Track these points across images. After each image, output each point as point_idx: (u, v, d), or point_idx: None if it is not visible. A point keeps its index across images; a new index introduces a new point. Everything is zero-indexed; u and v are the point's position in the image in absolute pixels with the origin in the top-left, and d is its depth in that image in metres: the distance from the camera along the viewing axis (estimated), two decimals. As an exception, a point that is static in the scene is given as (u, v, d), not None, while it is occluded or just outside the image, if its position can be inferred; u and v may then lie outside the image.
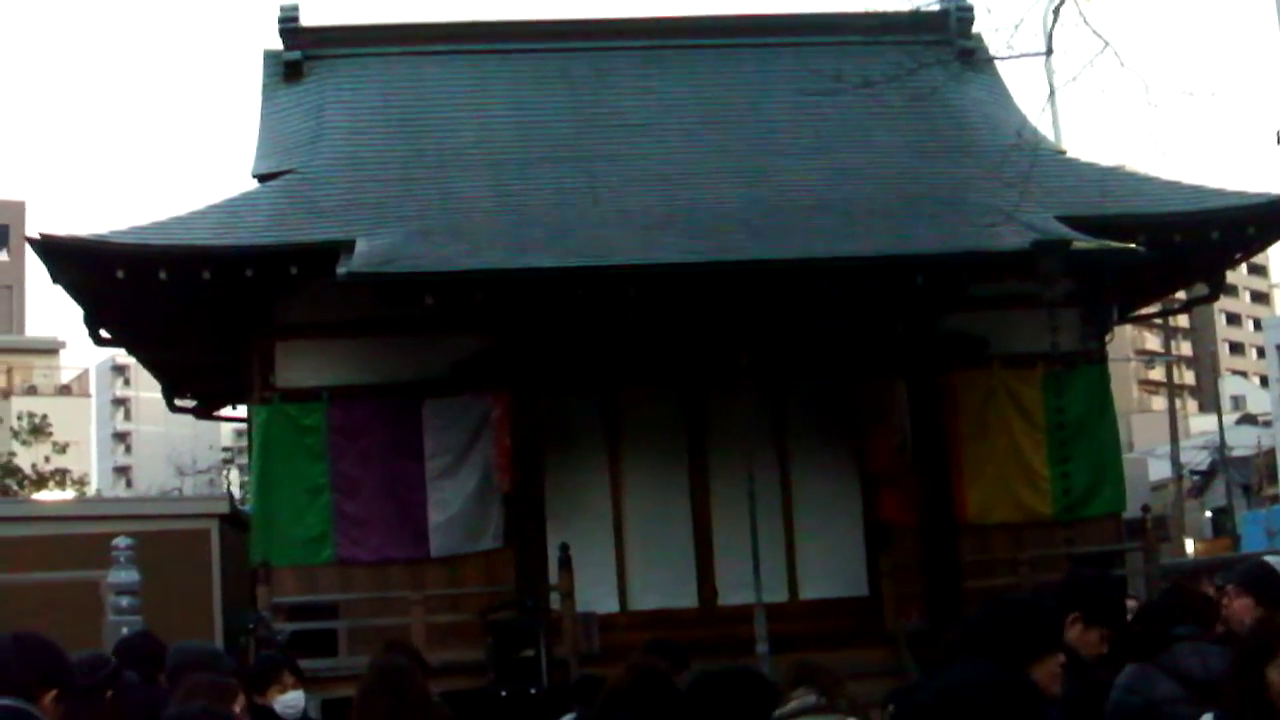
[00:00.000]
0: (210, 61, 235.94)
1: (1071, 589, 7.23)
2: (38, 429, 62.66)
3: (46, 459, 58.14)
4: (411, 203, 20.68)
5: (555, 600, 18.37)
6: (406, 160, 21.95)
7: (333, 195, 20.90)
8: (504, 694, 16.77)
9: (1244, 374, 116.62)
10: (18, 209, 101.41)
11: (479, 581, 19.76)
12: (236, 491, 48.01)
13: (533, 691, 16.73)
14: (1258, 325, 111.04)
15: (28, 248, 20.08)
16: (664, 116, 23.25)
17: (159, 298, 19.27)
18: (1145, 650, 6.74)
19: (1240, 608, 7.25)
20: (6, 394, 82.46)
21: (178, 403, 26.92)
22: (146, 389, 78.20)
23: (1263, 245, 23.33)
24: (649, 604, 20.57)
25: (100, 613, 16.80)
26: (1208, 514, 61.67)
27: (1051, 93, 20.11)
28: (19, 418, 65.47)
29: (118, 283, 18.59)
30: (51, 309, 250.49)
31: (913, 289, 17.99)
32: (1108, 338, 22.41)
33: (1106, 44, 14.97)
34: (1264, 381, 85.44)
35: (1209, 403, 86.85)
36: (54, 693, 5.11)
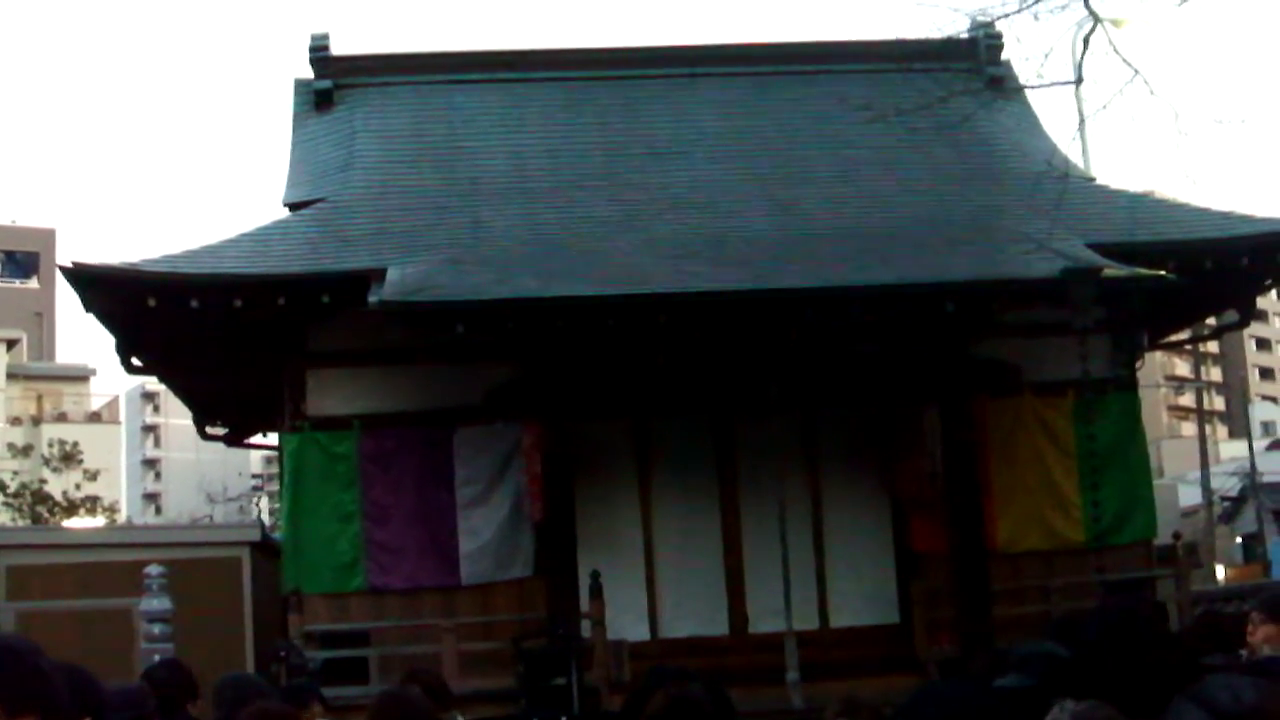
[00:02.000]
0: (241, 90, 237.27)
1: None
2: (68, 456, 63.07)
3: (77, 486, 58.53)
4: (442, 231, 20.73)
5: (586, 628, 18.34)
6: (437, 189, 22.03)
7: (364, 224, 20.97)
8: (535, 721, 16.77)
9: (1274, 399, 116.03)
10: (48, 236, 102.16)
11: (510, 609, 19.76)
12: (267, 519, 48.19)
13: (564, 719, 16.73)
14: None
15: (58, 275, 20.15)
16: (694, 145, 23.29)
17: (191, 326, 19.31)
18: (1175, 681, 6.70)
19: (1264, 635, 7.21)
20: (37, 421, 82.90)
21: (208, 430, 26.97)
22: (176, 416, 78.49)
23: (1293, 271, 23.20)
24: (680, 632, 20.53)
25: (133, 640, 16.82)
26: (1238, 540, 61.28)
27: (1081, 121, 20.05)
28: (50, 445, 65.92)
29: (150, 311, 18.65)
30: (81, 336, 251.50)
31: (943, 316, 17.93)
32: (1138, 364, 22.37)
33: (1136, 72, 15.04)
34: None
35: (1239, 428, 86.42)
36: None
